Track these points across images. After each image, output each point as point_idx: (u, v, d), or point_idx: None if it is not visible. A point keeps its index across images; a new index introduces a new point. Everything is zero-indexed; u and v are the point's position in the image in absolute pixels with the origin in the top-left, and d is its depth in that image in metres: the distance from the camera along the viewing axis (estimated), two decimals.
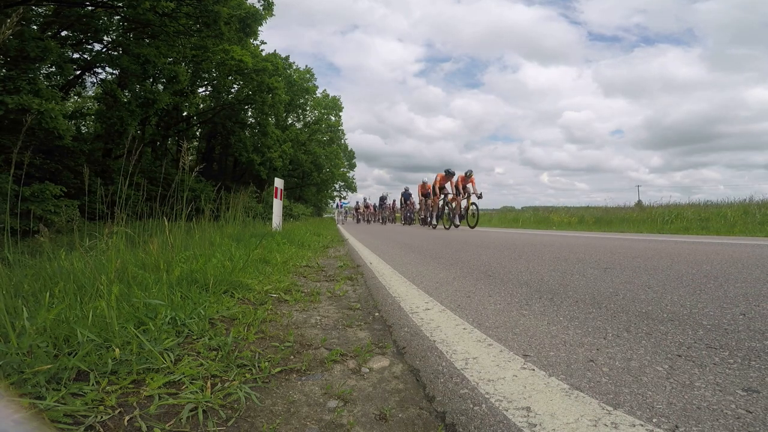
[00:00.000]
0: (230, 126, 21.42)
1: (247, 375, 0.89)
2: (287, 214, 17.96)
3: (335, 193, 39.28)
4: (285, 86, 22.18)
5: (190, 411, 0.73)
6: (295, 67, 28.25)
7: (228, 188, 8.34)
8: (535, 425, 0.65)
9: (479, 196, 10.65)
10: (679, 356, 0.93)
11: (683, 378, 0.81)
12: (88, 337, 0.92)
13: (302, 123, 31.34)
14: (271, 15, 14.94)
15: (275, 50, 22.10)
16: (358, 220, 22.11)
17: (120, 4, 12.00)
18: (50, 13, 11.99)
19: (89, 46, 13.76)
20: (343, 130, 34.47)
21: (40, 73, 10.12)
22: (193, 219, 3.21)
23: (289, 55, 27.83)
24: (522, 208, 17.40)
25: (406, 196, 17.42)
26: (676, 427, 0.63)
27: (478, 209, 10.49)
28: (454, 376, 0.87)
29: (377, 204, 23.03)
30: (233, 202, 5.06)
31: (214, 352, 0.99)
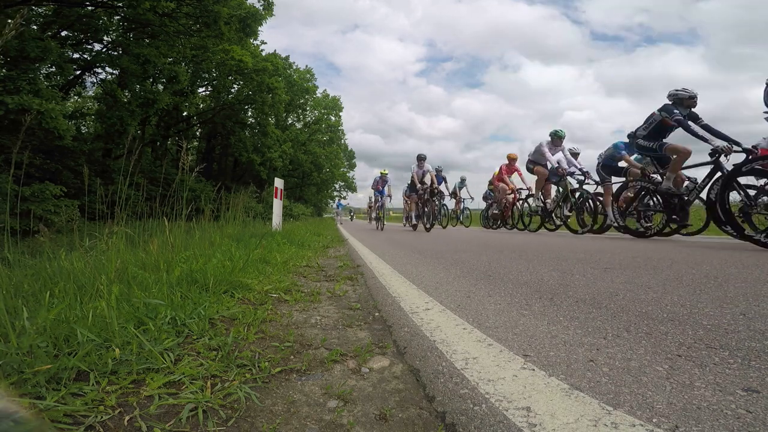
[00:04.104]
0: (230, 126, 21.43)
1: (247, 375, 0.89)
2: (287, 214, 17.97)
3: (335, 193, 39.32)
4: (285, 86, 22.19)
5: (190, 411, 0.73)
6: (295, 67, 28.27)
7: (228, 188, 8.34)
8: (535, 425, 0.65)
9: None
10: (679, 356, 0.93)
11: (683, 378, 0.81)
12: (88, 337, 0.92)
13: (302, 123, 31.36)
14: (271, 15, 14.97)
15: (275, 50, 22.14)
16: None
17: (120, 4, 12.01)
18: (50, 13, 11.99)
19: (89, 46, 13.78)
20: (343, 130, 34.51)
21: (40, 73, 10.13)
22: (193, 219, 3.21)
23: (289, 55, 27.88)
24: None
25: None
26: (676, 427, 0.63)
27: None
28: (454, 376, 0.87)
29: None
30: (233, 202, 5.06)
31: (214, 352, 1.00)
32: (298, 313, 1.48)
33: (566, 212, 7.41)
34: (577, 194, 7.11)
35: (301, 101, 29.79)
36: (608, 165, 6.76)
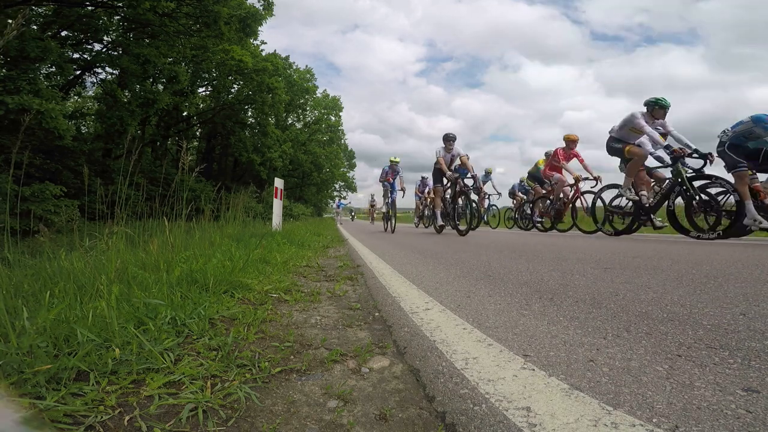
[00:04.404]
0: (230, 126, 21.44)
1: (247, 375, 0.89)
2: (287, 214, 17.97)
3: (335, 193, 39.31)
4: (285, 86, 22.19)
5: (190, 411, 0.73)
6: (295, 67, 28.28)
7: (228, 188, 8.34)
8: (535, 425, 0.65)
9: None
10: (679, 356, 0.93)
11: (683, 378, 0.81)
12: (88, 337, 0.92)
13: (302, 123, 31.37)
14: (271, 15, 14.97)
15: (275, 50, 22.15)
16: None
17: (120, 4, 12.01)
18: (50, 13, 12.00)
19: (89, 46, 13.78)
20: (343, 130, 34.50)
21: (40, 73, 10.13)
22: (193, 219, 3.21)
23: (289, 55, 27.89)
24: None
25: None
26: (676, 427, 0.63)
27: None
28: (454, 376, 0.87)
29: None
30: (233, 202, 5.07)
31: (214, 352, 1.00)
32: (298, 313, 1.48)
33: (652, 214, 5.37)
34: (696, 183, 4.91)
35: (301, 101, 29.79)
36: (738, 145, 4.72)
